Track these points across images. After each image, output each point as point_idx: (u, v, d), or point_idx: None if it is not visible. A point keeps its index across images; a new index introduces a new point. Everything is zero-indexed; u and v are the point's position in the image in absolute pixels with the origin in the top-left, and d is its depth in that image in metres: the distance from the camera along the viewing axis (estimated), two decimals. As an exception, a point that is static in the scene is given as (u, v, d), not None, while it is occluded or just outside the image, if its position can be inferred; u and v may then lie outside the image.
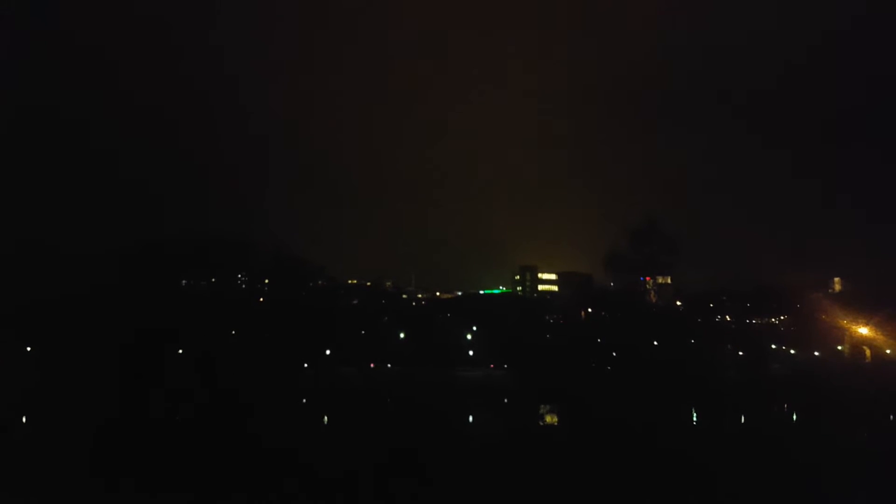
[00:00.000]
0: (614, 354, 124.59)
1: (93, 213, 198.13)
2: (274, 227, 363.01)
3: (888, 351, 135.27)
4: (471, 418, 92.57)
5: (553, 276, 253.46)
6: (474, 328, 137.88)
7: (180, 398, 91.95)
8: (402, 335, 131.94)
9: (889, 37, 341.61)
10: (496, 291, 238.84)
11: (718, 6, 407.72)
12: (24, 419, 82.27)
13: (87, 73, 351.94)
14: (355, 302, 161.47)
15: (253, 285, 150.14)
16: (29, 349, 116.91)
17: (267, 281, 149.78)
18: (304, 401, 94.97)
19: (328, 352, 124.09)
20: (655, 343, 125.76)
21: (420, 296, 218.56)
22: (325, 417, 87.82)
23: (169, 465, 54.40)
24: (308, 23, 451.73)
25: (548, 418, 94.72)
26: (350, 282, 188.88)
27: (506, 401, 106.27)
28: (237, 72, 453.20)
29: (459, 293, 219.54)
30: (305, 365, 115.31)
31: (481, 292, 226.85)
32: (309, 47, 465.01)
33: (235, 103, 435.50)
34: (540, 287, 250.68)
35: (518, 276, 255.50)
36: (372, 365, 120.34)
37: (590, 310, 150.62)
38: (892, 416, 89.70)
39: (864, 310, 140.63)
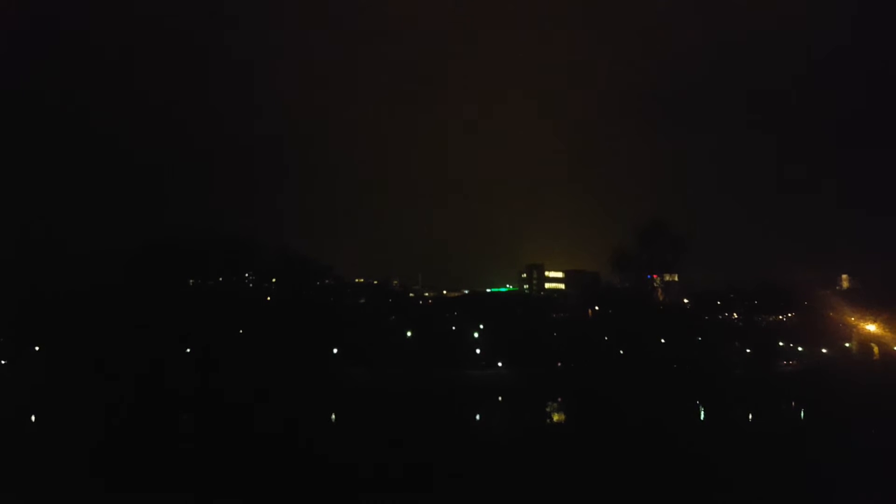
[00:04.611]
0: (622, 352, 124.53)
1: (99, 212, 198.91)
2: (281, 226, 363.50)
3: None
4: (479, 417, 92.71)
5: (560, 275, 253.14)
6: (481, 327, 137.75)
7: (187, 397, 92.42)
8: (409, 334, 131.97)
9: (889, 38, 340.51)
10: (503, 290, 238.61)
11: (723, 6, 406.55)
12: (32, 418, 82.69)
13: (94, 71, 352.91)
14: (362, 301, 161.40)
15: (260, 284, 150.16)
16: (37, 349, 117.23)
17: (274, 280, 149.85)
18: (315, 400, 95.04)
19: (336, 351, 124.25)
20: (663, 341, 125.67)
21: (427, 294, 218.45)
22: (336, 417, 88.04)
23: (177, 465, 54.66)
24: (313, 24, 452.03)
25: (556, 416, 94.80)
26: (357, 281, 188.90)
27: (515, 400, 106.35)
28: (245, 71, 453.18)
29: (466, 292, 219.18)
30: (314, 364, 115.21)
31: (488, 291, 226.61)
32: (315, 49, 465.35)
33: (243, 103, 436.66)
34: (547, 285, 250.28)
35: (525, 275, 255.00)
36: (379, 364, 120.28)
37: (597, 308, 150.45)
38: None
39: (872, 307, 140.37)
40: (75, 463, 53.97)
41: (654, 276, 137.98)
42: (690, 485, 47.96)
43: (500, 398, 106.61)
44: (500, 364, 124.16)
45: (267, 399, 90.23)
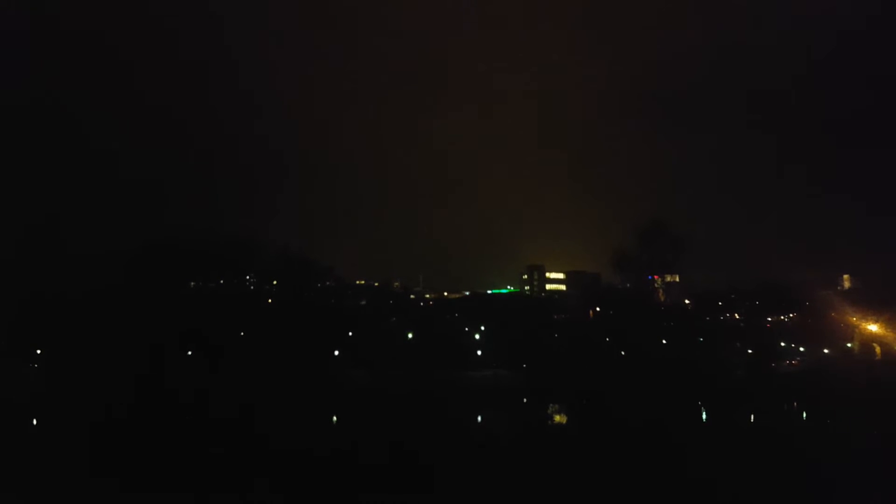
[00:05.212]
0: (623, 353, 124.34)
1: (99, 212, 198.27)
2: (282, 227, 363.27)
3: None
4: (479, 418, 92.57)
5: (561, 276, 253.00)
6: (482, 328, 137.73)
7: (187, 399, 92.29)
8: (410, 335, 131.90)
9: (888, 38, 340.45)
10: (504, 291, 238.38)
11: (723, 6, 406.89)
12: (33, 420, 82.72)
13: (94, 72, 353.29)
14: (363, 302, 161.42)
15: (261, 286, 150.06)
16: (39, 351, 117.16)
17: (275, 282, 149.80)
18: (316, 401, 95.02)
19: (337, 352, 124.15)
20: (664, 341, 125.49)
21: (428, 296, 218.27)
22: (337, 418, 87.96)
23: (177, 466, 54.66)
24: (312, 25, 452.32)
25: (557, 418, 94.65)
26: (358, 282, 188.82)
27: (516, 401, 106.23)
28: (245, 72, 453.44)
29: (467, 293, 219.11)
30: (315, 366, 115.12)
31: (489, 292, 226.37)
32: (314, 49, 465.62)
33: (243, 102, 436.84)
34: (548, 286, 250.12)
35: (526, 276, 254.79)
36: (380, 365, 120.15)
37: (598, 309, 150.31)
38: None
39: (874, 307, 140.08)
40: (76, 463, 54.04)
41: (655, 277, 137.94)
42: (691, 486, 47.88)
43: (500, 399, 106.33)
44: (501, 365, 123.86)
45: (268, 401, 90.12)
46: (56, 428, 76.17)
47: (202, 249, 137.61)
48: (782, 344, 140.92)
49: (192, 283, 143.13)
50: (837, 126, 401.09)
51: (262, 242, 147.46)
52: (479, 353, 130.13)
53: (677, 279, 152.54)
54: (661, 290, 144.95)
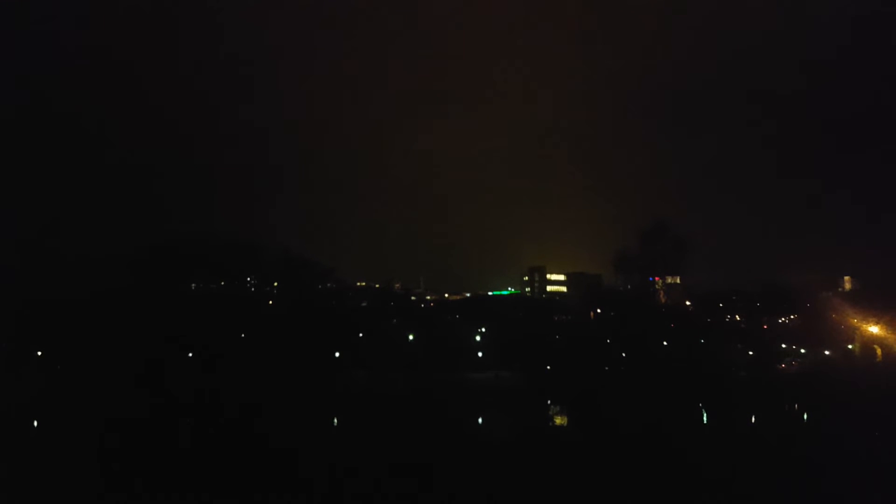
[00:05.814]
0: (624, 355, 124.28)
1: (100, 216, 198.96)
2: (282, 227, 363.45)
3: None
4: (480, 420, 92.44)
5: (562, 277, 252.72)
6: (483, 330, 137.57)
7: (188, 401, 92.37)
8: (411, 337, 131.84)
9: (889, 38, 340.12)
10: (505, 293, 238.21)
11: (724, 6, 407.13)
12: (35, 422, 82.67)
13: (93, 73, 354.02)
14: (364, 304, 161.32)
15: (262, 288, 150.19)
16: (39, 353, 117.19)
17: (276, 283, 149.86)
18: (316, 403, 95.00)
19: (338, 354, 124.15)
20: (665, 343, 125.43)
21: (429, 297, 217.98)
22: (337, 420, 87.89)
23: (178, 468, 54.72)
24: (314, 24, 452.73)
25: (557, 420, 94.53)
26: (359, 284, 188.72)
27: (516, 402, 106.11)
28: (245, 74, 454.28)
29: (468, 294, 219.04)
30: (315, 367, 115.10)
31: (490, 293, 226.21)
32: (316, 49, 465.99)
33: (243, 105, 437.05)
34: (549, 288, 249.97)
35: (527, 277, 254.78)
36: (381, 367, 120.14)
37: (599, 310, 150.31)
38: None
39: (875, 308, 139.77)
40: (77, 465, 54.09)
41: (657, 279, 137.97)
42: (692, 487, 47.87)
43: (501, 401, 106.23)
44: (502, 367, 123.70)
45: (268, 403, 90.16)
46: (57, 430, 76.16)
47: (203, 252, 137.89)
48: (783, 345, 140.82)
49: (194, 286, 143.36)
50: (837, 126, 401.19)
51: (262, 244, 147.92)
52: (479, 354, 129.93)
53: (678, 280, 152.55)
54: (662, 292, 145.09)
